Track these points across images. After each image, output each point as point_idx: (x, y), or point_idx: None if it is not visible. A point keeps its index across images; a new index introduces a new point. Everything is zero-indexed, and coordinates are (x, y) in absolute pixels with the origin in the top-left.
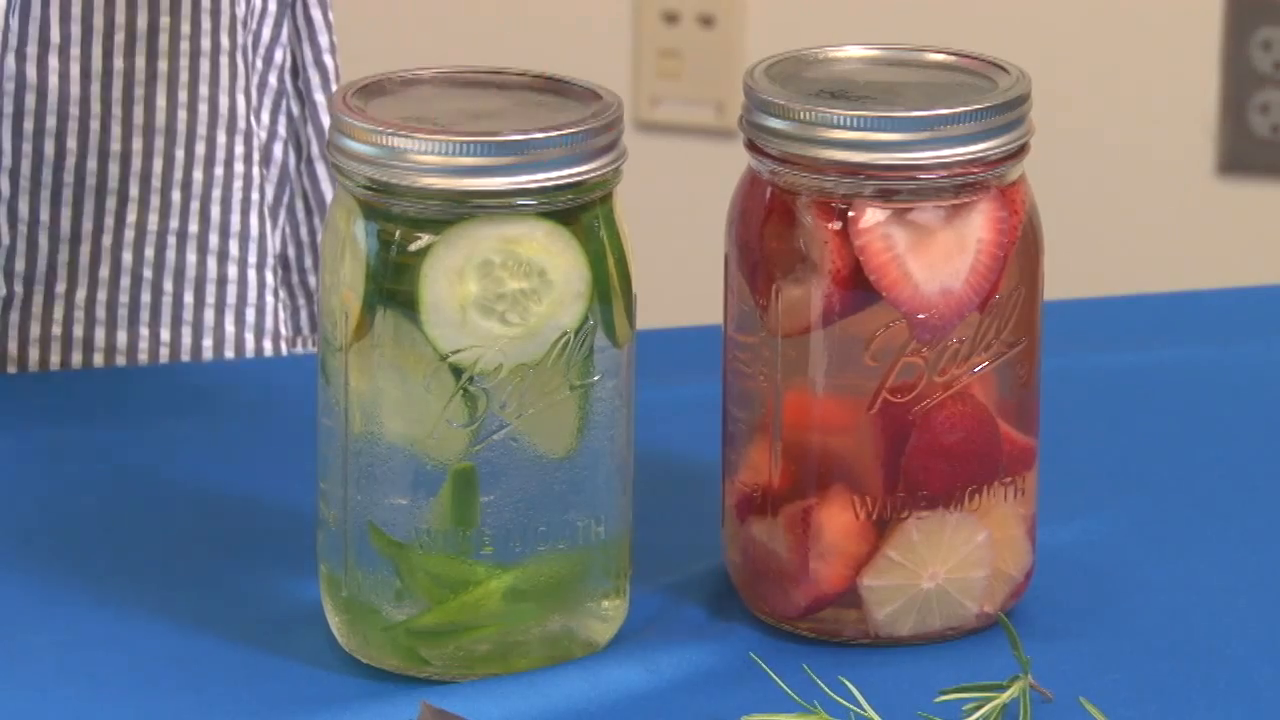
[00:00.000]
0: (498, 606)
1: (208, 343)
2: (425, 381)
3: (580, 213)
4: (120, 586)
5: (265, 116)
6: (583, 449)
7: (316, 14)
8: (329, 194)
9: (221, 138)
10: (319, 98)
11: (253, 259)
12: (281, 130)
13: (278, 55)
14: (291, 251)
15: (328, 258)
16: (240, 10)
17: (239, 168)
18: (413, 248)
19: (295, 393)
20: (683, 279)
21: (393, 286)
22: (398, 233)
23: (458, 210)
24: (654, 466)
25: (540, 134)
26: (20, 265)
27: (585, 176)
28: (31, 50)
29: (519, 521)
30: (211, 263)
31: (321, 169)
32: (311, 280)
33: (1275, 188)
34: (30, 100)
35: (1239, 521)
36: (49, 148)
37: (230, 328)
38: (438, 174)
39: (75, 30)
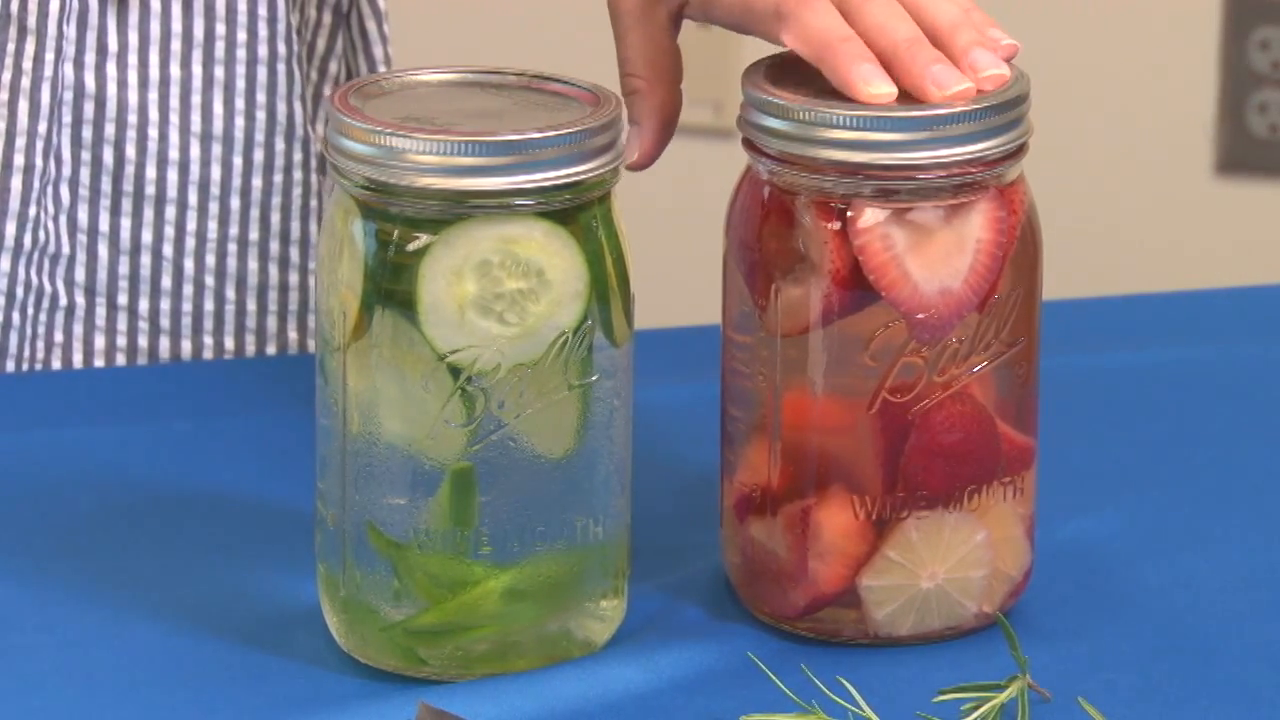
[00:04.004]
0: (496, 606)
1: (271, 349)
2: (423, 381)
3: (578, 212)
4: (120, 586)
5: (320, 128)
6: (581, 449)
7: (371, 26)
8: None
9: (280, 144)
10: None
11: (312, 264)
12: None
13: (332, 67)
14: None
15: (326, 257)
16: (295, 19)
17: (298, 174)
18: (411, 247)
19: (295, 392)
20: (681, 279)
21: (391, 286)
22: (396, 232)
23: (456, 210)
24: (652, 466)
25: (538, 134)
26: (81, 275)
27: (583, 176)
28: (89, 59)
29: (517, 521)
30: (273, 269)
31: None
32: None
33: (1273, 187)
34: (89, 109)
35: (1238, 521)
36: (108, 156)
37: (293, 334)
38: (436, 174)
39: (132, 38)
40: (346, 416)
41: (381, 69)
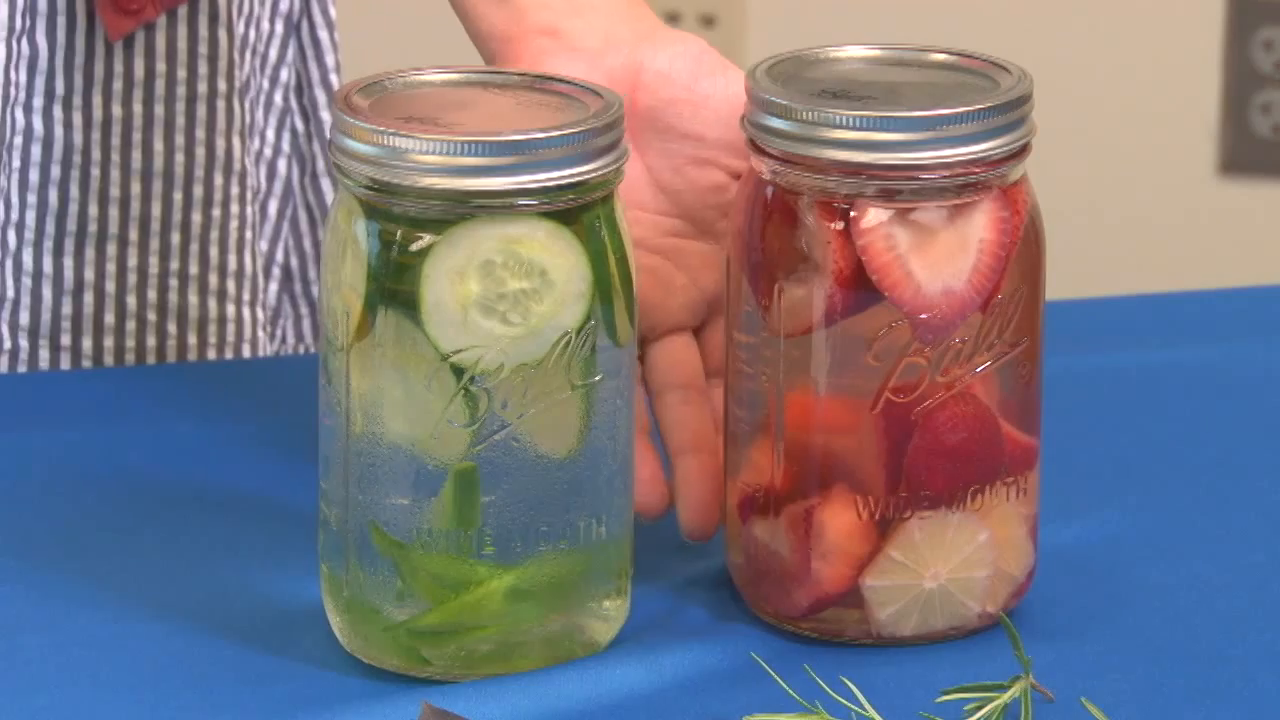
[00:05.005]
0: (499, 606)
1: None
2: (426, 381)
3: (581, 212)
4: (120, 586)
5: (270, 134)
6: (584, 449)
7: (323, 35)
8: None
9: (218, 179)
10: (325, 115)
11: (247, 296)
12: (285, 146)
13: (283, 74)
14: (294, 263)
15: (329, 257)
16: (251, 36)
17: (234, 208)
18: (414, 248)
19: (295, 393)
20: None
21: (394, 286)
22: (399, 233)
23: (459, 210)
24: None
25: (541, 134)
26: (25, 318)
27: (586, 176)
28: (38, 102)
29: (520, 521)
30: (212, 303)
31: (327, 183)
32: (314, 291)
33: (1276, 188)
34: (36, 152)
35: (1240, 521)
36: (53, 197)
37: None
38: (439, 174)
39: (78, 80)
40: (350, 417)
41: (333, 77)
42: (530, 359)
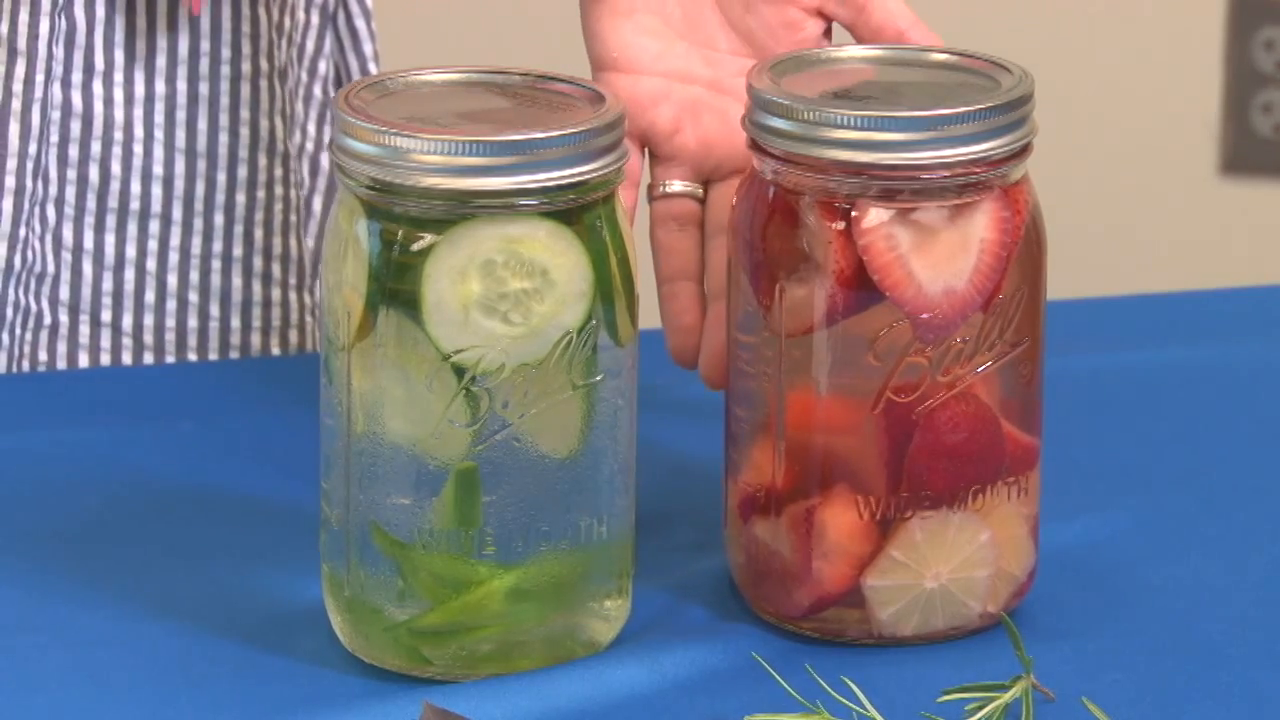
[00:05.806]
0: (500, 606)
1: None
2: (428, 381)
3: (582, 212)
4: (120, 586)
5: (312, 128)
6: (585, 449)
7: (360, 24)
8: None
9: (262, 160)
10: None
11: (293, 280)
12: (328, 140)
13: (321, 67)
14: None
15: (330, 257)
16: (287, 24)
17: (278, 190)
18: (415, 247)
19: (296, 392)
20: None
21: (395, 286)
22: (400, 232)
23: (460, 210)
24: (657, 466)
25: (542, 134)
26: (65, 293)
27: (587, 176)
28: (77, 78)
29: (521, 521)
30: (256, 286)
31: None
32: None
33: (1277, 188)
34: (76, 127)
35: (1241, 521)
36: (94, 173)
37: (276, 350)
38: (440, 174)
39: (118, 56)
40: (351, 416)
41: (372, 66)
42: (531, 359)
